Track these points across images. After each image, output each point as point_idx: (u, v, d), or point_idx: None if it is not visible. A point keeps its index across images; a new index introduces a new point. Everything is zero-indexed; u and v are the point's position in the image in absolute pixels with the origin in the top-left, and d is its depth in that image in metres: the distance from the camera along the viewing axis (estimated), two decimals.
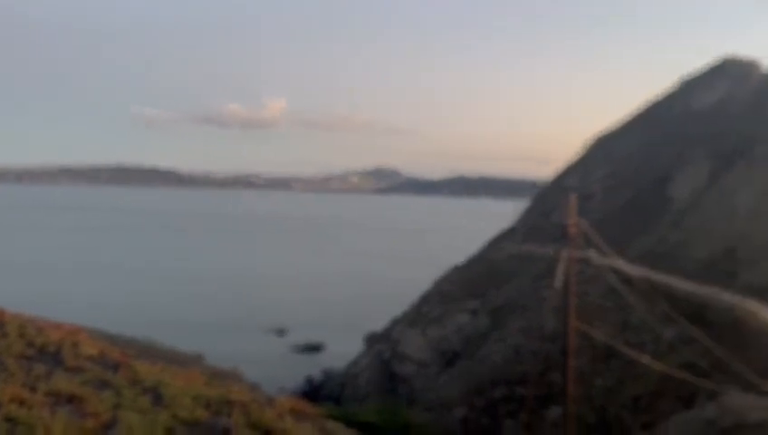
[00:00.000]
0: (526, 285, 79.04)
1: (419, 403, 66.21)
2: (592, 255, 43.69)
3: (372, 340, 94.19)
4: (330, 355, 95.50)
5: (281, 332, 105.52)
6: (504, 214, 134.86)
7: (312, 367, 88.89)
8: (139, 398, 10.50)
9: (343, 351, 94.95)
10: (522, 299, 75.59)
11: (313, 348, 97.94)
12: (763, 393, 26.94)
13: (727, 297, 50.13)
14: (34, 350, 15.60)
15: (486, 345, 68.98)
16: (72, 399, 10.36)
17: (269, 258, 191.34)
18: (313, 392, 77.87)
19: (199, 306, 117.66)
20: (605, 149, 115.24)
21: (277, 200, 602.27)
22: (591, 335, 47.30)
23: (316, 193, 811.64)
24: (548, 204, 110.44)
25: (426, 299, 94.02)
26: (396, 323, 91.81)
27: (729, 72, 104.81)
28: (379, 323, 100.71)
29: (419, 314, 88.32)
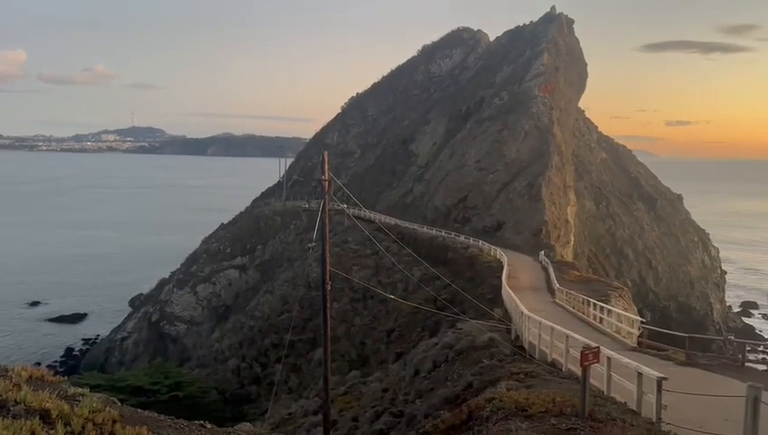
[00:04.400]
0: (291, 238, 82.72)
1: (193, 360, 66.41)
2: (345, 207, 47.50)
3: (138, 303, 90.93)
4: (92, 324, 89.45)
5: (34, 304, 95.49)
6: (271, 171, 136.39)
7: (73, 337, 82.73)
8: None
9: (106, 318, 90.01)
10: (288, 252, 79.12)
11: (73, 318, 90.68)
12: (491, 319, 31.97)
13: (462, 239, 58.54)
14: None
15: (256, 298, 71.33)
16: None
17: (10, 228, 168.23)
18: (75, 362, 73.32)
19: None
20: (360, 109, 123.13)
21: (20, 162, 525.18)
22: (351, 279, 52.24)
23: (66, 153, 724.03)
24: (311, 160, 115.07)
25: (194, 258, 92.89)
26: (163, 284, 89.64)
27: (462, 41, 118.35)
28: (143, 287, 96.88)
29: (188, 274, 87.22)
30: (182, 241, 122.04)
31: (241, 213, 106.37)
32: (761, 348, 75.15)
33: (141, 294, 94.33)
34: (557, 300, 35.60)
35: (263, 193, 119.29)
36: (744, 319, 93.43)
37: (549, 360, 20.01)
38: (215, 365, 59.77)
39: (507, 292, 32.69)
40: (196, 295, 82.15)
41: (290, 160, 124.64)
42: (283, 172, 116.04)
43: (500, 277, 38.69)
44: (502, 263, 44.71)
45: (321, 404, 25.06)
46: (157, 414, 11.66)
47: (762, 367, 35.29)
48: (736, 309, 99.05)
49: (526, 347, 22.87)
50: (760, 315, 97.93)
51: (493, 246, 52.95)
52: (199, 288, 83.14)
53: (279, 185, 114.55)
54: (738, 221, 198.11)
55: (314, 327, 51.34)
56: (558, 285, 37.95)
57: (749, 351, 56.96)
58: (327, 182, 21.39)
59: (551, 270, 43.90)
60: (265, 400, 48.25)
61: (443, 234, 61.10)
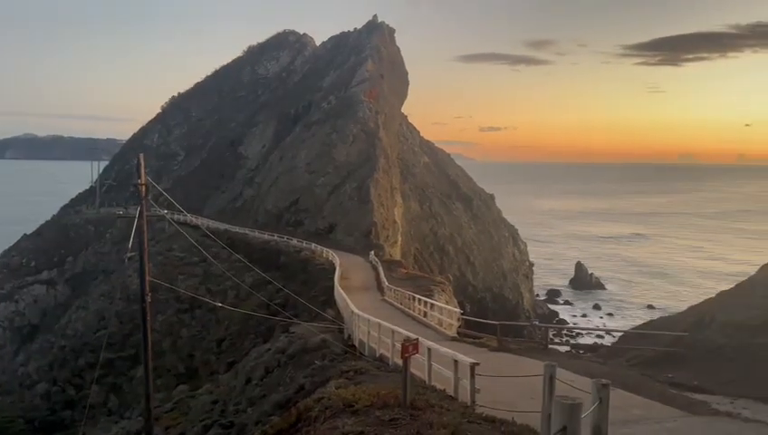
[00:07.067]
0: (107, 248, 76.74)
1: None
2: (166, 213, 45.10)
3: None
4: None
5: None
6: (81, 175, 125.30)
7: None
8: None
9: None
10: (103, 263, 73.24)
11: None
12: (324, 320, 32.02)
13: (295, 242, 58.30)
14: None
15: (67, 315, 65.14)
16: None
17: None
18: None
19: None
20: (182, 109, 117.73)
21: None
22: (176, 289, 49.61)
23: None
24: (128, 163, 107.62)
25: None
26: None
27: (289, 44, 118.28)
28: None
29: None
30: None
31: (47, 222, 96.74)
32: (564, 331, 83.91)
33: None
34: (386, 298, 36.85)
35: (72, 200, 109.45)
36: (549, 306, 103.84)
37: (377, 355, 20.60)
38: (20, 391, 54.06)
39: (339, 293, 33.14)
40: None
41: (104, 164, 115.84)
42: (96, 176, 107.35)
43: (333, 279, 39.21)
44: (334, 264, 45.49)
45: (144, 424, 23.58)
46: None
47: (564, 348, 39.53)
48: (543, 297, 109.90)
49: (357, 345, 23.36)
50: (563, 302, 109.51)
51: (325, 249, 53.76)
52: None
53: (92, 190, 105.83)
54: (538, 218, 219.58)
55: (136, 343, 48.07)
56: (387, 284, 39.28)
57: (554, 334, 63.29)
58: (144, 186, 20.17)
59: (380, 269, 45.36)
60: (81, 425, 44.77)
61: (275, 238, 60.57)
